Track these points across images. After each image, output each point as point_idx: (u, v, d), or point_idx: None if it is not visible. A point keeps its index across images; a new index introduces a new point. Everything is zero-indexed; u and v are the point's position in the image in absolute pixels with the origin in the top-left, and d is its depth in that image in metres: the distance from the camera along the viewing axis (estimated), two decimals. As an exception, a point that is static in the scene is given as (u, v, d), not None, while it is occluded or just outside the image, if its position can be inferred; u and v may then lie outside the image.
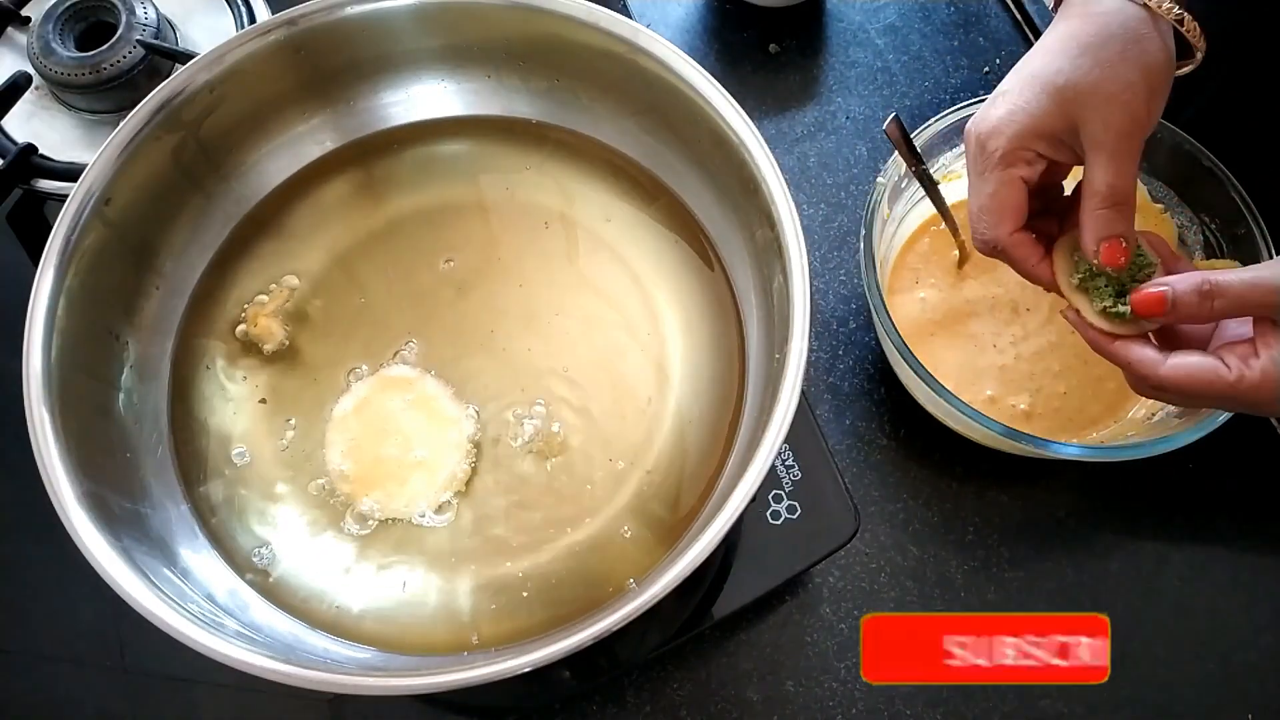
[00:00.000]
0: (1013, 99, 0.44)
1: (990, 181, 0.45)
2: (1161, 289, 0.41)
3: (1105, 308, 0.43)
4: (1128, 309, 0.43)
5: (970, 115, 0.55)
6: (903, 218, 0.59)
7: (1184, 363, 0.41)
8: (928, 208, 0.58)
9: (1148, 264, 0.44)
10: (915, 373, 0.50)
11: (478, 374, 0.49)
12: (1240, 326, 0.43)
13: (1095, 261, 0.43)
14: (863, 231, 0.53)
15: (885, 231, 0.57)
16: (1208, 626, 0.54)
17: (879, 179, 0.55)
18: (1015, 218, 0.45)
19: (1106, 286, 0.43)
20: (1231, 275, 0.40)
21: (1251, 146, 0.54)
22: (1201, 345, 0.44)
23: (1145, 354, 0.42)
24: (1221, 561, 0.55)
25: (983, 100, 0.55)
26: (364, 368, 0.49)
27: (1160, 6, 0.43)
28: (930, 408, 0.55)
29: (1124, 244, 0.43)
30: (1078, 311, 0.44)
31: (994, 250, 0.46)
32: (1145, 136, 0.43)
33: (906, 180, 0.56)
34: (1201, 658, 0.53)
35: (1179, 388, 0.42)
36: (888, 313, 0.52)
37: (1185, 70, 0.46)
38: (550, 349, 0.49)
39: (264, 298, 0.50)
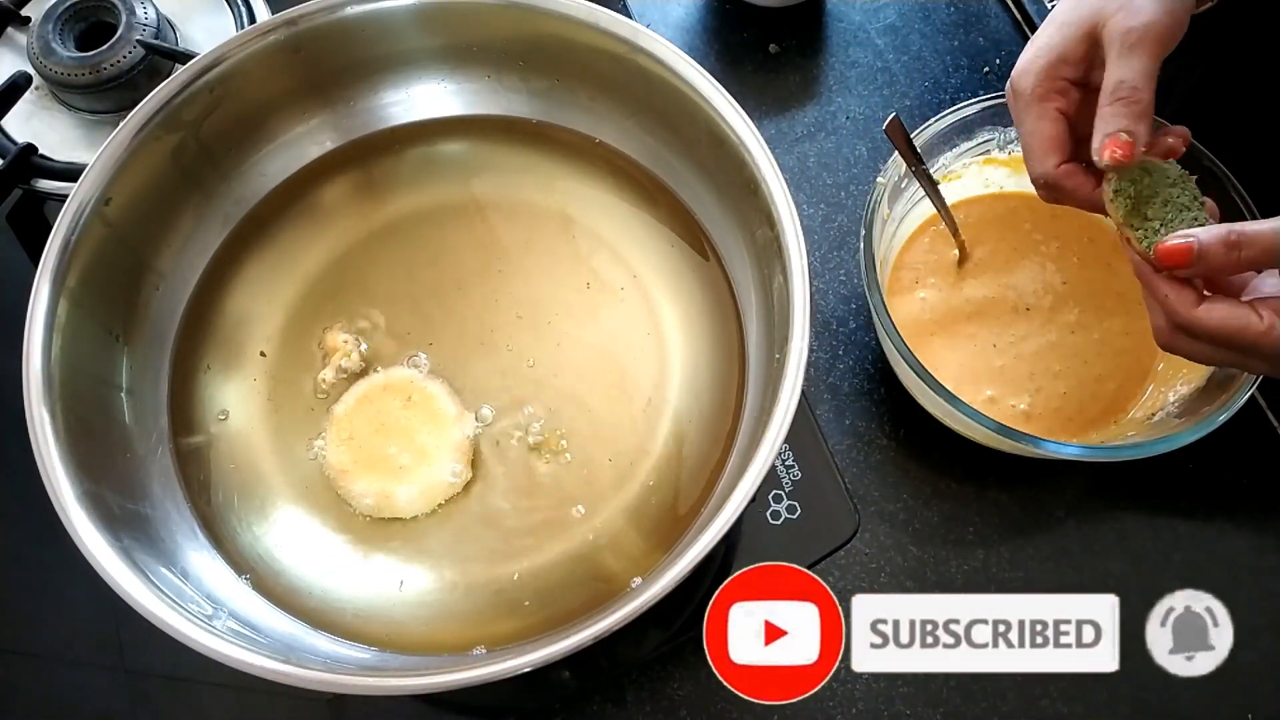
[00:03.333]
0: (1037, 42, 0.46)
1: (1029, 118, 0.46)
2: (1188, 240, 0.41)
3: (1150, 243, 0.42)
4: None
5: (970, 115, 0.56)
6: (903, 218, 0.59)
7: (1218, 307, 0.41)
8: (928, 208, 0.58)
9: (1195, 200, 0.43)
10: (915, 373, 0.50)
11: (477, 373, 0.49)
12: (1273, 282, 0.43)
13: (1100, 161, 0.42)
14: (863, 231, 0.53)
15: (885, 231, 0.57)
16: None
17: (879, 179, 0.54)
18: (1059, 149, 0.45)
19: (1150, 220, 0.43)
20: (1261, 225, 0.40)
21: (1235, 138, 0.54)
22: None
23: (1183, 291, 0.42)
24: (1221, 562, 0.55)
25: (983, 100, 0.55)
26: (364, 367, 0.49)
27: None
28: (930, 408, 0.55)
29: (1127, 138, 0.42)
30: (1128, 240, 0.44)
31: (1048, 188, 0.46)
32: (1165, 42, 0.43)
33: (906, 180, 0.56)
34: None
35: (1208, 331, 0.41)
36: (888, 313, 0.52)
37: (1206, 7, 0.47)
38: (550, 349, 0.49)
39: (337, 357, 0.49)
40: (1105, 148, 0.42)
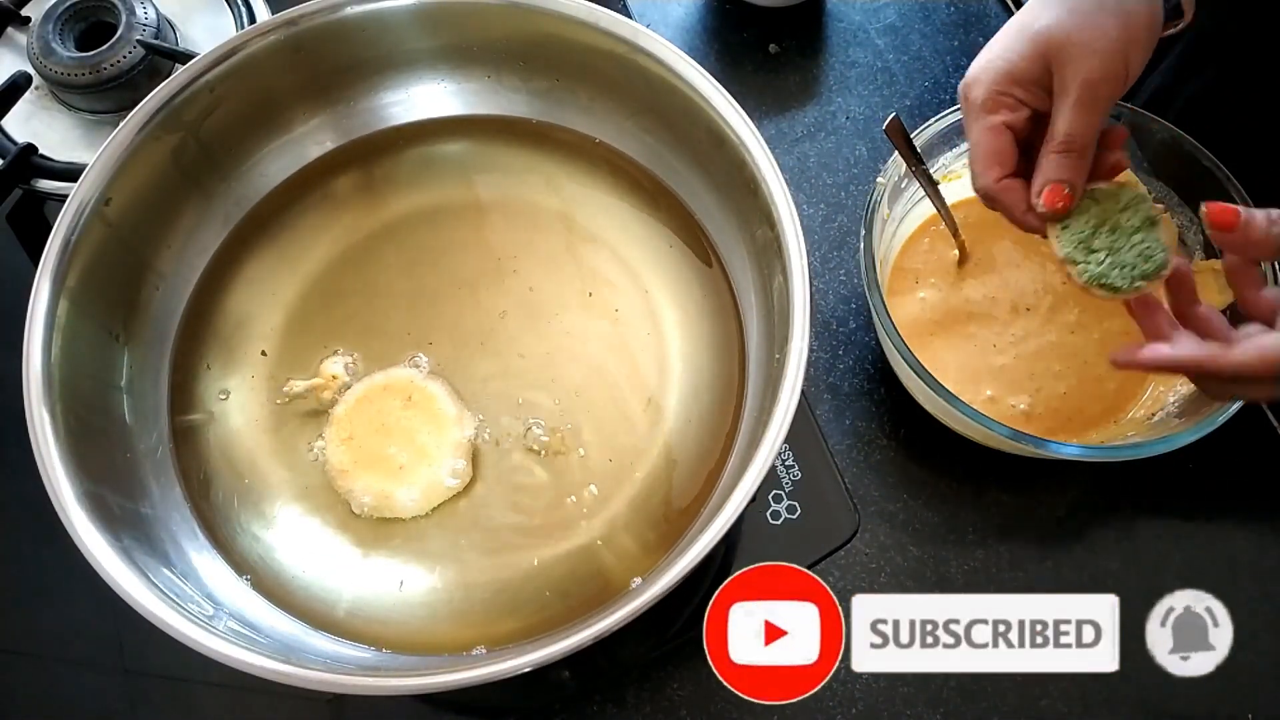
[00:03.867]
0: (993, 48, 0.45)
1: (975, 129, 0.45)
2: (1237, 207, 0.41)
3: (1091, 275, 0.43)
4: (1123, 281, 0.42)
5: None
6: (903, 218, 0.59)
7: (1257, 343, 0.40)
8: (928, 208, 0.58)
9: (1148, 221, 0.43)
10: (915, 373, 0.50)
11: (478, 374, 0.49)
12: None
13: (1037, 203, 0.43)
14: (862, 232, 0.53)
15: (885, 231, 0.57)
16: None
17: (879, 179, 0.54)
18: (1002, 163, 0.45)
19: (1096, 250, 0.43)
20: None
21: (1240, 139, 0.55)
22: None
23: (1209, 349, 0.41)
24: (1221, 561, 0.55)
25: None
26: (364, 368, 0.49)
27: None
28: (930, 408, 0.55)
29: (1067, 191, 0.43)
30: (1069, 275, 0.44)
31: (987, 198, 0.46)
32: (1119, 90, 0.43)
33: (906, 180, 0.56)
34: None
35: (1253, 371, 0.40)
36: (888, 313, 0.52)
37: (1172, 31, 0.46)
38: (550, 349, 0.49)
39: (338, 358, 0.49)
40: (1045, 196, 0.43)
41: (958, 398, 0.49)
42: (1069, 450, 0.48)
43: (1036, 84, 0.44)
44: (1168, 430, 0.49)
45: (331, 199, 0.54)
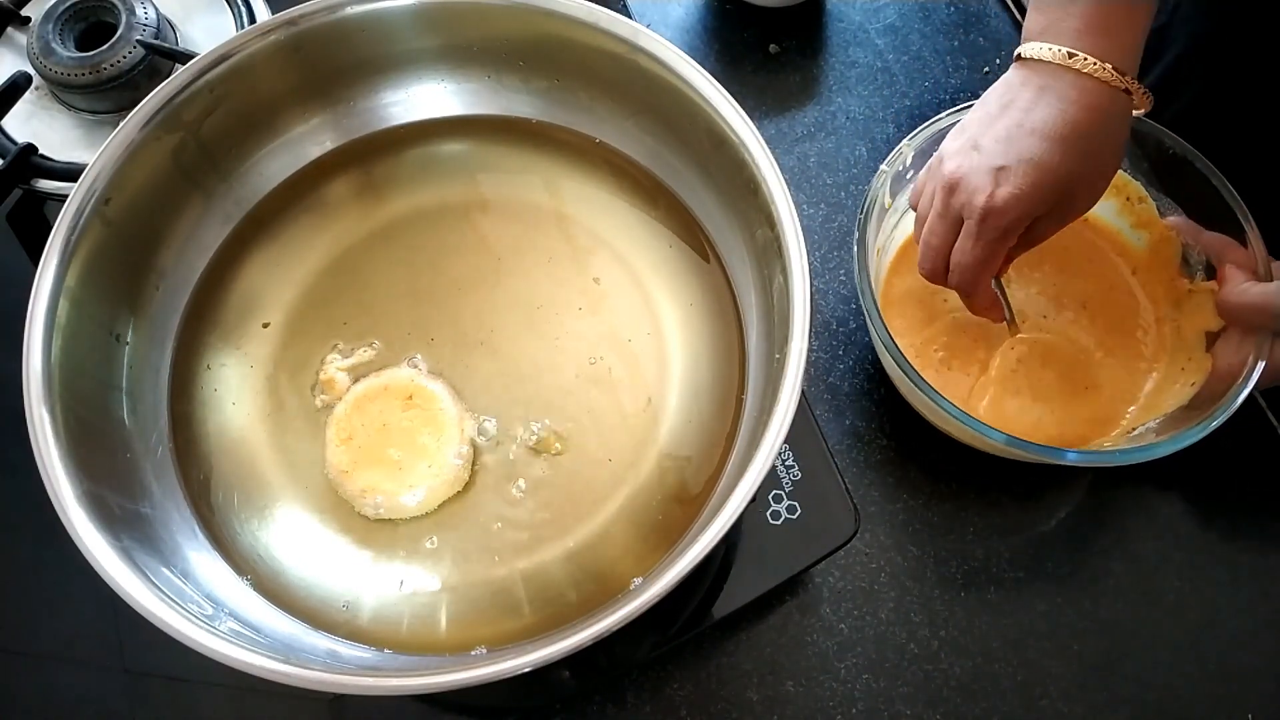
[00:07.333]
0: (1018, 182, 0.46)
1: (986, 249, 0.48)
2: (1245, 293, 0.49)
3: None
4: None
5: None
6: (905, 210, 0.58)
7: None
8: None
9: None
10: (910, 379, 0.49)
11: (477, 374, 0.49)
12: None
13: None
14: (855, 234, 0.53)
15: (887, 222, 0.56)
16: (1208, 626, 0.54)
17: (883, 166, 0.54)
18: (995, 272, 0.50)
19: None
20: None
21: (1235, 146, 0.54)
22: None
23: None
24: (1222, 561, 0.55)
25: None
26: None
27: (1138, 91, 0.47)
28: (929, 416, 0.54)
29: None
30: None
31: (967, 291, 0.50)
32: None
33: (912, 171, 0.56)
34: (1202, 657, 0.53)
35: None
36: (884, 324, 0.51)
37: (1142, 112, 0.52)
38: (550, 349, 0.49)
39: (338, 358, 0.49)
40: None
41: (958, 407, 0.49)
42: (1072, 457, 0.48)
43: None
44: (1170, 431, 0.49)
45: (331, 199, 0.54)
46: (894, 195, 0.56)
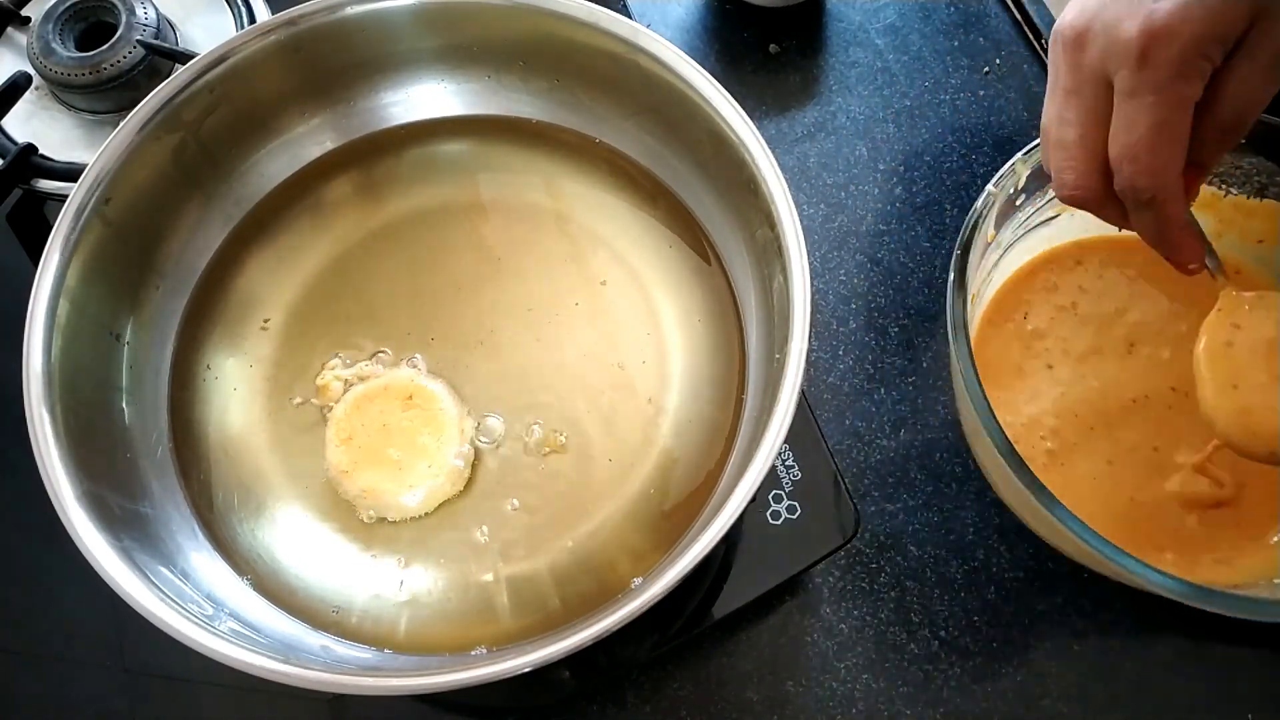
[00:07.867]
0: None
1: (1161, 104, 0.33)
2: None
3: None
4: None
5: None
6: (1010, 245, 0.44)
7: None
8: (1041, 239, 0.45)
9: None
10: (1020, 480, 0.35)
11: (477, 374, 0.49)
12: None
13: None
14: (951, 275, 0.38)
15: (987, 259, 0.42)
16: (1209, 625, 0.54)
17: (990, 187, 0.41)
18: (1185, 152, 0.34)
19: None
20: None
21: None
22: None
23: None
24: (1221, 561, 0.55)
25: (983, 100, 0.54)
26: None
27: None
28: (1035, 525, 0.41)
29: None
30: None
31: (1145, 201, 0.34)
32: None
33: (1024, 199, 0.43)
34: (1202, 657, 0.53)
35: None
36: (986, 401, 0.36)
37: None
38: (550, 349, 0.49)
39: (338, 358, 0.49)
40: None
41: (1112, 544, 0.35)
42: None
43: (1229, 44, 0.33)
44: None
45: (331, 199, 0.54)
46: (999, 227, 0.43)
